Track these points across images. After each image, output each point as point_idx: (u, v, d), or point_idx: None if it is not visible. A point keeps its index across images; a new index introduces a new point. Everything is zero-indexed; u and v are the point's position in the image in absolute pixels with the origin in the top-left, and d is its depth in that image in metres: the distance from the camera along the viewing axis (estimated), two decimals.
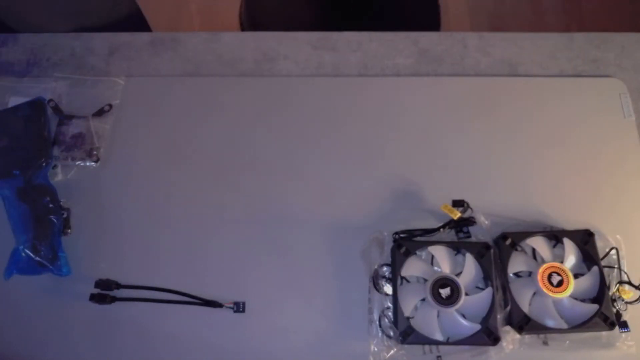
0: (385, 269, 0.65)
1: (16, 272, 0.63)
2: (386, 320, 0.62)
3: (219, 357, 0.63)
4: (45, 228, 0.65)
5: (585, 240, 0.65)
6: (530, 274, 0.64)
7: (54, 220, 0.65)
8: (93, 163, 0.70)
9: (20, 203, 0.66)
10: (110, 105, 0.73)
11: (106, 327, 0.64)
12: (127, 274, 0.65)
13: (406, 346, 0.61)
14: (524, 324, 0.61)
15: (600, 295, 0.62)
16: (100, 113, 0.73)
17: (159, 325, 0.64)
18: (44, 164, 0.68)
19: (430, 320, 0.61)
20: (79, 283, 0.65)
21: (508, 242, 0.64)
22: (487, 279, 0.63)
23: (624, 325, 0.61)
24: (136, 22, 0.99)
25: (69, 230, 0.67)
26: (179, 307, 0.64)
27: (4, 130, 0.70)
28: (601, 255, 0.64)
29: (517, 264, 0.64)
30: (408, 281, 0.64)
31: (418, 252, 0.65)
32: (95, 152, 0.70)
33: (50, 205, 0.66)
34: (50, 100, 0.73)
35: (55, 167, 0.70)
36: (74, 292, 0.64)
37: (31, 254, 0.63)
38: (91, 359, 0.63)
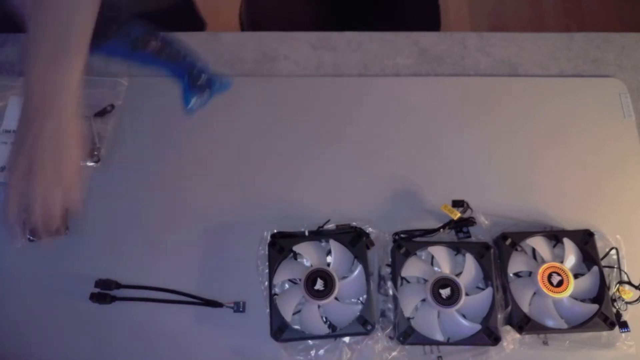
0: (387, 269, 0.65)
1: (195, 108, 0.72)
2: (387, 320, 0.63)
3: (219, 356, 0.63)
4: (182, 60, 0.71)
5: (585, 240, 0.65)
6: (530, 274, 0.64)
7: (181, 51, 0.71)
8: (94, 163, 0.70)
9: (144, 53, 0.71)
10: (113, 106, 0.73)
11: (106, 327, 0.64)
12: (127, 273, 0.65)
13: (407, 347, 0.61)
14: (524, 324, 0.61)
15: (600, 295, 0.62)
16: (102, 113, 0.73)
17: (159, 325, 0.64)
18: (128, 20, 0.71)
19: (430, 320, 0.61)
20: (78, 283, 0.65)
21: (508, 242, 0.64)
22: (487, 279, 0.63)
23: (624, 325, 0.61)
24: (187, 14, 0.99)
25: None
26: (179, 306, 0.64)
27: None
28: (601, 255, 0.64)
29: (517, 264, 0.64)
30: (408, 282, 0.64)
31: (418, 253, 0.65)
32: (96, 153, 0.70)
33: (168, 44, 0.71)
34: None
35: None
36: (74, 291, 0.64)
37: (195, 86, 0.71)
38: (91, 359, 0.63)
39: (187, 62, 0.72)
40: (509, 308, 0.61)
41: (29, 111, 0.54)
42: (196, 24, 1.03)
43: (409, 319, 0.61)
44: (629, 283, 0.64)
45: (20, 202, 0.54)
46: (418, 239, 0.66)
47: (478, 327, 0.60)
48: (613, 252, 0.65)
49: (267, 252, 0.64)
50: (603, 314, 0.61)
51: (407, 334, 0.60)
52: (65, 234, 0.66)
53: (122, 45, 0.71)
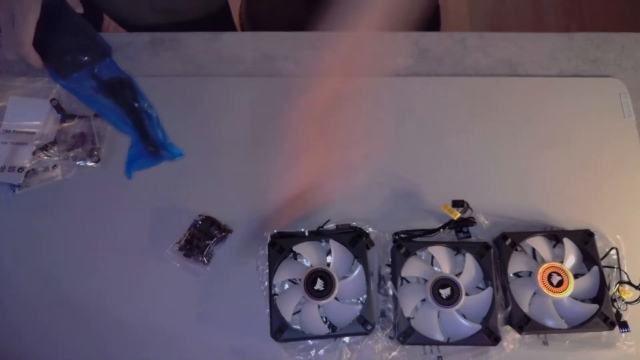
0: (387, 269, 0.65)
1: (135, 169, 0.70)
2: (387, 320, 0.63)
3: (219, 356, 0.63)
4: (143, 119, 0.70)
5: (585, 240, 0.65)
6: (530, 274, 0.64)
7: (147, 109, 0.69)
8: (94, 163, 0.70)
9: (104, 98, 0.70)
10: None
11: (104, 326, 0.64)
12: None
13: (407, 347, 0.61)
14: (524, 324, 0.61)
15: (600, 295, 0.62)
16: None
17: (158, 324, 0.64)
18: (103, 56, 0.73)
19: (430, 320, 0.61)
20: (78, 282, 0.65)
21: (508, 242, 0.64)
22: (487, 279, 0.63)
23: (624, 325, 0.61)
24: (224, 20, 1.00)
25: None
26: (178, 307, 0.64)
27: (56, 28, 0.73)
28: (601, 255, 0.64)
29: (517, 264, 0.64)
30: (408, 282, 0.64)
31: (418, 253, 0.65)
32: (96, 153, 0.70)
33: (135, 96, 0.71)
34: (53, 99, 0.73)
35: (55, 166, 0.70)
36: (72, 289, 0.64)
37: (145, 148, 0.70)
38: (90, 359, 0.63)
39: (147, 125, 0.71)
40: (509, 308, 0.61)
41: None
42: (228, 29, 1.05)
43: (409, 319, 0.61)
44: (629, 283, 0.64)
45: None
46: (418, 239, 0.66)
47: (478, 327, 0.60)
48: (613, 252, 0.65)
49: (267, 252, 0.64)
50: (603, 314, 0.61)
51: (407, 334, 0.60)
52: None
53: (87, 83, 0.72)
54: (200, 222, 0.67)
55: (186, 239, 0.66)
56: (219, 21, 0.97)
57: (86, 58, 0.73)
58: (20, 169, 0.69)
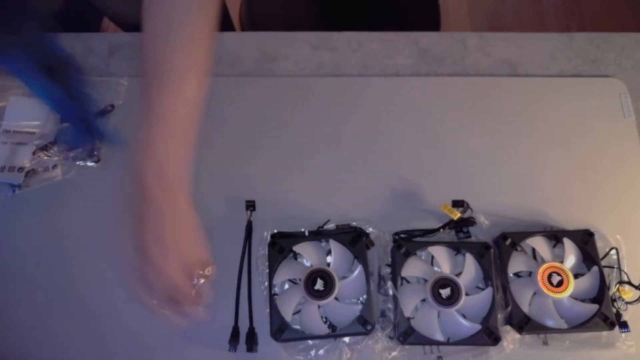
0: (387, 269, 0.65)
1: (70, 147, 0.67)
2: (387, 320, 0.62)
3: (219, 356, 0.63)
4: (84, 104, 0.58)
5: (585, 240, 0.65)
6: (530, 274, 0.64)
7: (88, 94, 0.58)
8: (94, 163, 0.70)
9: (42, 77, 0.55)
10: (113, 106, 0.73)
11: (104, 326, 0.64)
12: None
13: (407, 347, 0.61)
14: (524, 324, 0.61)
15: (600, 295, 0.62)
16: (102, 113, 0.73)
17: (158, 324, 0.64)
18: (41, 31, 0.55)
19: (430, 320, 0.61)
20: (79, 282, 0.65)
21: (508, 242, 0.64)
22: (487, 279, 0.63)
23: (624, 325, 0.61)
24: (222, 21, 0.98)
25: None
26: None
27: None
28: (601, 255, 0.64)
29: (517, 264, 0.64)
30: (408, 282, 0.64)
31: (418, 253, 0.65)
32: (96, 153, 0.70)
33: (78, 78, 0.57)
34: None
35: (55, 166, 0.70)
36: (72, 288, 0.64)
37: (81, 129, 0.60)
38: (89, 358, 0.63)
39: (88, 111, 0.60)
40: (509, 308, 0.61)
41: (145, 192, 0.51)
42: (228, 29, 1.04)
43: (409, 319, 0.61)
44: (629, 283, 0.64)
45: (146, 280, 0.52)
46: (418, 239, 0.66)
47: (478, 327, 0.60)
48: (613, 252, 0.65)
49: (267, 252, 0.64)
50: (603, 314, 0.61)
51: (407, 334, 0.60)
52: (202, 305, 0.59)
53: (25, 60, 0.55)
54: None
55: None
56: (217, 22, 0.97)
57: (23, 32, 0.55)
58: (20, 169, 0.69)
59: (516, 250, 0.65)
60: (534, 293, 0.62)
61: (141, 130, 0.51)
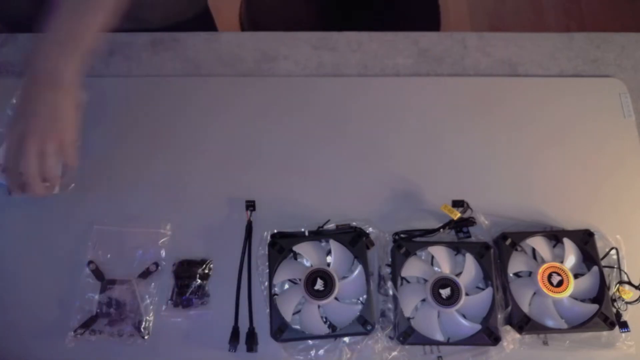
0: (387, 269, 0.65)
1: None
2: (387, 320, 0.62)
3: (219, 356, 0.63)
4: None
5: (585, 240, 0.65)
6: (530, 274, 0.64)
7: None
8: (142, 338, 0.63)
9: None
10: (157, 265, 0.65)
11: None
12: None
13: (407, 347, 0.61)
14: (524, 324, 0.61)
15: (600, 295, 0.62)
16: (145, 275, 0.65)
17: (157, 324, 0.64)
18: None
19: (430, 320, 0.61)
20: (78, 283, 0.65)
21: (508, 242, 0.64)
22: (487, 279, 0.63)
23: (624, 325, 0.61)
24: (204, 20, 0.98)
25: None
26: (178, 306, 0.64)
27: None
28: (601, 255, 0.64)
29: (517, 264, 0.64)
30: (408, 282, 0.64)
31: (418, 253, 0.65)
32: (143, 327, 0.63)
33: None
34: (91, 262, 0.65)
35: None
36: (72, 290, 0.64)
37: None
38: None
39: None
40: (509, 308, 0.61)
41: (32, 82, 0.61)
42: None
43: (409, 319, 0.61)
44: (629, 283, 0.64)
45: (16, 158, 0.60)
46: (418, 239, 0.66)
47: (478, 327, 0.60)
48: (613, 252, 0.65)
49: (267, 252, 0.64)
50: (603, 314, 0.61)
51: (407, 334, 0.60)
52: (60, 192, 0.67)
53: None
54: (178, 268, 0.65)
55: (177, 293, 0.64)
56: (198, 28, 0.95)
57: None
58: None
59: (516, 250, 0.65)
60: (534, 293, 0.62)
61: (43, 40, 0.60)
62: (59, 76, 0.60)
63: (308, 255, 0.64)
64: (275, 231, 0.65)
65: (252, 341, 0.62)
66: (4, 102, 0.73)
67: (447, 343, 0.61)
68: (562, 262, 0.63)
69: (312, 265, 0.63)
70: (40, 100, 0.60)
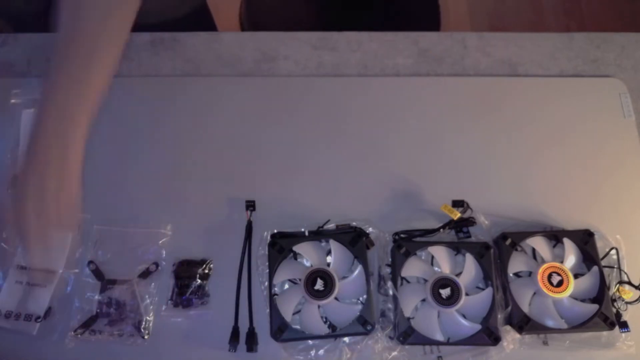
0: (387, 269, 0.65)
1: None
2: (387, 320, 0.63)
3: (218, 356, 0.63)
4: None
5: (585, 240, 0.65)
6: (530, 274, 0.64)
7: None
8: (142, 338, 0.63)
9: None
10: (157, 265, 0.65)
11: None
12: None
13: (407, 347, 0.61)
14: (524, 324, 0.61)
15: (600, 295, 0.62)
16: (145, 275, 0.65)
17: (156, 324, 0.64)
18: None
19: (430, 320, 0.61)
20: None
21: (508, 242, 0.64)
22: (487, 279, 0.63)
23: (624, 325, 0.61)
24: (202, 19, 0.97)
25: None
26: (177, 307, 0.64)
27: None
28: (601, 255, 0.64)
29: (517, 264, 0.64)
30: (408, 282, 0.64)
31: (418, 253, 0.65)
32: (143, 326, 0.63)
33: None
34: (91, 262, 0.65)
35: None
36: None
37: None
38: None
39: None
40: (509, 308, 0.61)
41: (33, 161, 0.55)
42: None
43: (409, 319, 0.61)
44: (629, 283, 0.64)
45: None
46: (418, 239, 0.66)
47: (478, 327, 0.60)
48: (613, 252, 0.65)
49: (267, 252, 0.64)
50: (603, 314, 0.61)
51: (407, 334, 0.60)
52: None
53: None
54: (178, 268, 0.65)
55: (177, 293, 0.64)
56: (191, 24, 0.93)
57: None
58: (38, 318, 0.62)
59: (516, 250, 0.65)
60: (534, 293, 0.62)
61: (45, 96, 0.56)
62: (64, 158, 0.55)
63: (308, 255, 0.64)
64: (275, 231, 0.65)
65: (252, 341, 0.62)
66: (4, 102, 0.74)
67: (447, 343, 0.61)
68: (562, 262, 0.63)
69: (312, 265, 0.63)
70: (39, 187, 0.54)
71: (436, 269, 0.64)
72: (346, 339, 0.62)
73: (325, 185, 0.71)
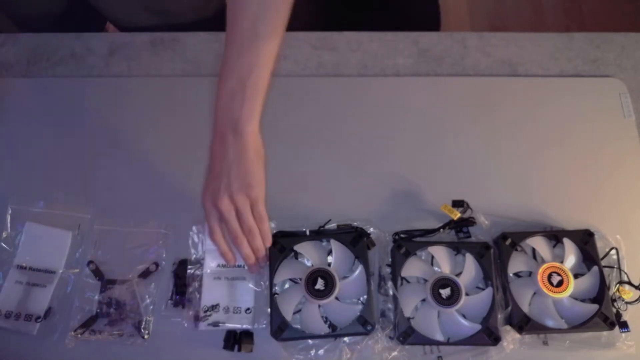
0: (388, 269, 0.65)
1: None
2: (387, 320, 0.63)
3: (218, 355, 0.63)
4: None
5: (585, 240, 0.65)
6: (530, 274, 0.64)
7: None
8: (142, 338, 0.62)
9: None
10: (157, 265, 0.65)
11: None
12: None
13: (407, 347, 0.61)
14: (524, 324, 0.61)
15: (600, 295, 0.62)
16: (145, 275, 0.65)
17: (156, 324, 0.64)
18: None
19: (430, 320, 0.61)
20: None
21: (508, 242, 0.64)
22: (487, 279, 0.63)
23: (624, 325, 0.61)
24: (221, 23, 0.97)
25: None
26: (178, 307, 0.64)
27: None
28: (601, 255, 0.64)
29: (517, 264, 0.64)
30: (408, 282, 0.64)
31: (418, 253, 0.65)
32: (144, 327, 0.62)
33: None
34: (91, 262, 0.64)
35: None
36: None
37: None
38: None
39: None
40: (509, 308, 0.61)
41: (217, 139, 0.61)
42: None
43: (409, 319, 0.61)
44: (629, 283, 0.64)
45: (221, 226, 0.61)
46: (418, 239, 0.66)
47: (478, 327, 0.60)
48: (613, 252, 0.65)
49: (267, 252, 0.64)
50: (603, 314, 0.61)
51: (407, 334, 0.60)
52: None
53: None
54: (178, 268, 0.64)
55: (176, 292, 0.63)
56: (216, 24, 0.96)
57: None
58: (38, 318, 0.62)
59: (516, 250, 0.65)
60: (534, 293, 0.62)
61: (221, 86, 0.59)
62: (243, 130, 0.58)
63: (309, 255, 0.64)
64: (276, 231, 0.66)
65: (243, 341, 0.61)
66: (3, 102, 0.74)
67: (447, 343, 0.61)
68: (562, 262, 0.63)
69: (313, 265, 0.63)
70: (227, 157, 0.59)
71: (436, 269, 0.64)
72: (346, 338, 0.62)
73: (326, 185, 0.71)
